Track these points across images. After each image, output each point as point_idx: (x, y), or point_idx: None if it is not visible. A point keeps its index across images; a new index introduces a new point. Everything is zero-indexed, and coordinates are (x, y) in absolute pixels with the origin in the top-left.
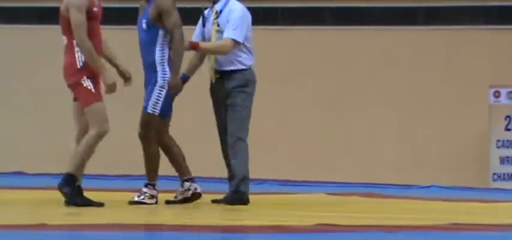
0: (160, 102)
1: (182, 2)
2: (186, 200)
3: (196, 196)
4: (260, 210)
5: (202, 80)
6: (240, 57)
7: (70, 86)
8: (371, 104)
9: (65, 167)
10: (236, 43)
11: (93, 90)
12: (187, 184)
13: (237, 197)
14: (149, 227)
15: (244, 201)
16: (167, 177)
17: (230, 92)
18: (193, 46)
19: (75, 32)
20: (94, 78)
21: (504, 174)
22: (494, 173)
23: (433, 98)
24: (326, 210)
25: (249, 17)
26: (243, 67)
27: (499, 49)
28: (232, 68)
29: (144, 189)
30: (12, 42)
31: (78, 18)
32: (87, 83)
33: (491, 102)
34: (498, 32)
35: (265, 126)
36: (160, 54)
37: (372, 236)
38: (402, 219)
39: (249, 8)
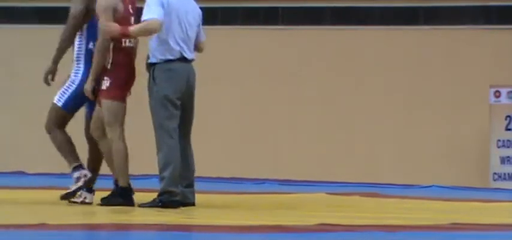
0: (66, 96)
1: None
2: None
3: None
4: (260, 210)
5: (200, 80)
6: (153, 50)
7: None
8: (371, 103)
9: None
10: (159, 20)
11: None
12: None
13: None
14: (150, 227)
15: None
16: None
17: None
18: (124, 33)
19: None
20: None
21: (504, 174)
22: (495, 173)
23: (434, 97)
24: (326, 210)
25: (161, 2)
26: (153, 61)
27: (499, 49)
28: (149, 60)
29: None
30: (12, 42)
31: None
32: None
33: (491, 102)
34: (498, 32)
35: (265, 126)
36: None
37: (372, 236)
38: (403, 219)
39: (249, 8)
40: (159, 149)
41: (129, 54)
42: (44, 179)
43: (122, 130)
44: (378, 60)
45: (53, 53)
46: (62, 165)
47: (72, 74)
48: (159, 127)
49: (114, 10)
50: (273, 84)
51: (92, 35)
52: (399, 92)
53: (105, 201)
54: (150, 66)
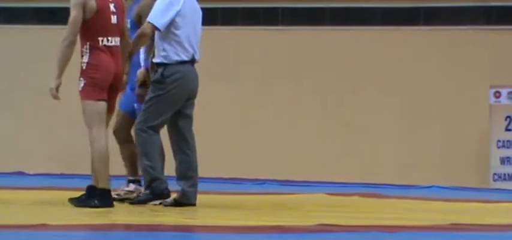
0: None
1: None
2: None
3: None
4: (261, 211)
5: (200, 80)
6: (164, 50)
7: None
8: (371, 104)
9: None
10: (154, 27)
11: None
12: (132, 186)
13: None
14: (150, 227)
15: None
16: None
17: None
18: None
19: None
20: None
21: (504, 174)
22: (495, 173)
23: (434, 98)
24: (326, 211)
25: (175, 5)
26: (165, 61)
27: (499, 49)
28: (156, 60)
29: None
30: (12, 43)
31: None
32: None
33: (491, 102)
34: (498, 32)
35: (265, 126)
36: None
37: (372, 236)
38: (402, 219)
39: (249, 9)
40: (142, 142)
41: (110, 54)
42: (44, 180)
43: (102, 130)
44: (377, 60)
45: (53, 53)
46: (62, 165)
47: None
48: (148, 120)
49: (85, 5)
50: (273, 84)
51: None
52: (399, 92)
53: (78, 202)
54: (159, 65)
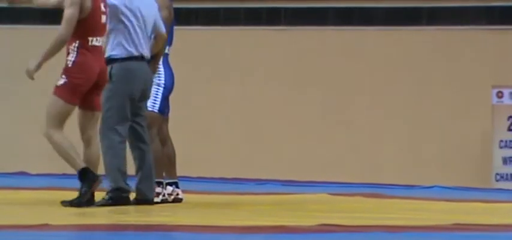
0: (158, 100)
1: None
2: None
3: (176, 201)
4: (263, 211)
5: (200, 83)
6: (109, 46)
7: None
8: (374, 104)
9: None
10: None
11: None
12: (170, 188)
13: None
14: (151, 227)
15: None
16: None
17: None
18: None
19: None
20: None
21: (507, 174)
22: (497, 173)
23: (436, 98)
24: (329, 211)
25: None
26: (111, 56)
27: (502, 49)
28: (106, 56)
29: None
30: (17, 43)
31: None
32: None
33: (494, 102)
34: (501, 32)
35: (268, 126)
36: None
37: (374, 236)
38: (405, 219)
39: (252, 9)
40: (107, 147)
41: (95, 54)
42: (47, 180)
43: (59, 131)
44: (380, 60)
45: (58, 54)
46: (64, 166)
47: (156, 78)
48: (107, 125)
49: (82, 4)
50: (275, 84)
51: (169, 41)
52: (401, 92)
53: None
54: (108, 62)
